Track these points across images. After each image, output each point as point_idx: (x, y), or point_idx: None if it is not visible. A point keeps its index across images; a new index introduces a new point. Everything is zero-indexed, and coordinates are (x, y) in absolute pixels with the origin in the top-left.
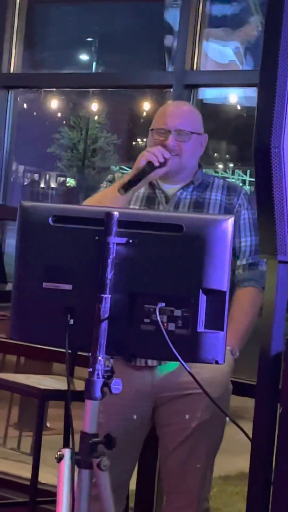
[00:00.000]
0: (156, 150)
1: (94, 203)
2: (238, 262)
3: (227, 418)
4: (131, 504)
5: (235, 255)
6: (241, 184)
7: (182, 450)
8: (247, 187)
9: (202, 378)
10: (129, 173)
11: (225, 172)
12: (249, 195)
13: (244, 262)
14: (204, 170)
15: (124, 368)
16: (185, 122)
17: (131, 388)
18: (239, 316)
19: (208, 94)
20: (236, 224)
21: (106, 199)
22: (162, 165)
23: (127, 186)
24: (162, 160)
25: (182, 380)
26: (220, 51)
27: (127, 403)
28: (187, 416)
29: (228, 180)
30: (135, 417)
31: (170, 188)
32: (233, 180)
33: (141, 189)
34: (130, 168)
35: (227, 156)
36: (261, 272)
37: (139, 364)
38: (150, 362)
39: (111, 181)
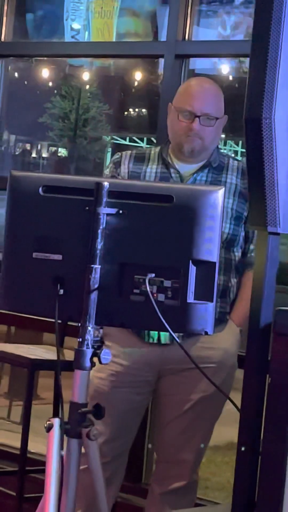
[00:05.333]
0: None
1: None
2: (251, 247)
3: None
4: None
5: (247, 239)
6: (233, 155)
7: (182, 421)
8: (239, 158)
9: (214, 361)
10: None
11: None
12: None
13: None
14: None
15: (133, 340)
16: (211, 107)
17: (139, 359)
18: (249, 296)
19: (200, 64)
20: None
21: None
22: None
23: None
24: None
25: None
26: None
27: (135, 373)
28: (189, 389)
29: (242, 161)
30: (140, 387)
31: (186, 169)
32: (225, 151)
33: (155, 167)
34: (122, 138)
35: None
36: None
37: (151, 342)
38: (163, 340)
39: (119, 162)
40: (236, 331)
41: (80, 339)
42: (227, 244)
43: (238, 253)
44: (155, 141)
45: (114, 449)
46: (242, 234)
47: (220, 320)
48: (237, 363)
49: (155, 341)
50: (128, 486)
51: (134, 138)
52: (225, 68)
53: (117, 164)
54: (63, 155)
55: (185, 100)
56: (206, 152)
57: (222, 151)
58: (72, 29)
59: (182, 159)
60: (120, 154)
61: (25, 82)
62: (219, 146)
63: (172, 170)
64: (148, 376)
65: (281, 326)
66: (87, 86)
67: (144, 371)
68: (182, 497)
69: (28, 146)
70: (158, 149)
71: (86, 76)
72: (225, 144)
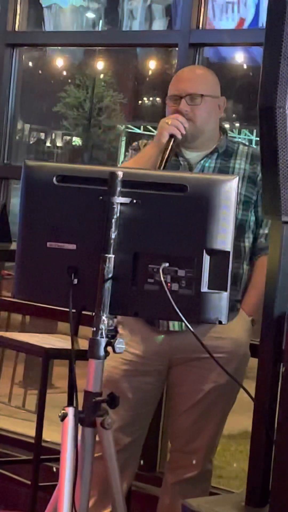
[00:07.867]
0: (176, 122)
1: None
2: (261, 231)
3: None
4: None
5: (257, 224)
6: (247, 143)
7: (194, 411)
8: (253, 146)
9: (225, 350)
10: (150, 143)
11: (232, 131)
12: None
13: (266, 231)
14: (229, 136)
15: (145, 329)
16: (196, 86)
17: (150, 348)
18: (261, 284)
19: (214, 53)
20: (258, 193)
21: None
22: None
23: (164, 166)
24: (184, 132)
25: (200, 344)
26: None
27: (145, 361)
28: (201, 379)
29: (252, 147)
30: (151, 376)
31: (194, 156)
32: (239, 140)
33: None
34: (136, 127)
35: (234, 115)
36: None
37: (161, 329)
38: (171, 327)
39: (136, 150)
40: (247, 320)
41: (94, 329)
42: (237, 230)
43: (249, 239)
44: None
45: (126, 437)
46: (253, 219)
47: (231, 309)
48: (250, 352)
49: (165, 328)
50: (143, 475)
51: (148, 127)
52: (240, 56)
53: (137, 151)
54: (77, 144)
55: (172, 86)
56: (203, 135)
57: (232, 138)
58: (87, 19)
59: (188, 147)
60: (137, 142)
61: (39, 72)
62: (232, 135)
63: (180, 159)
64: (159, 366)
65: None
66: (101, 75)
67: (154, 360)
68: (195, 486)
69: (42, 135)
70: None
71: (100, 65)
72: (239, 133)
